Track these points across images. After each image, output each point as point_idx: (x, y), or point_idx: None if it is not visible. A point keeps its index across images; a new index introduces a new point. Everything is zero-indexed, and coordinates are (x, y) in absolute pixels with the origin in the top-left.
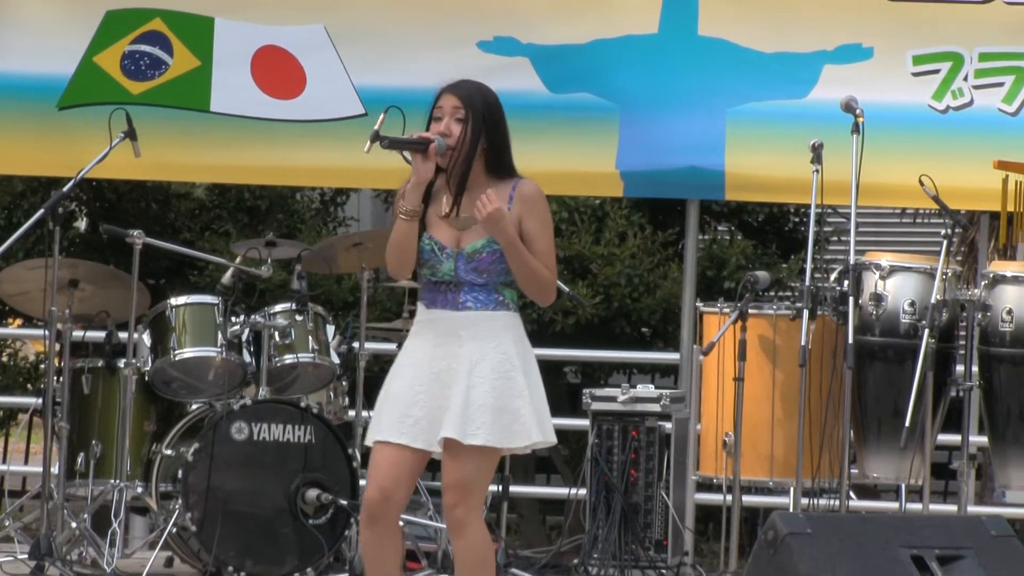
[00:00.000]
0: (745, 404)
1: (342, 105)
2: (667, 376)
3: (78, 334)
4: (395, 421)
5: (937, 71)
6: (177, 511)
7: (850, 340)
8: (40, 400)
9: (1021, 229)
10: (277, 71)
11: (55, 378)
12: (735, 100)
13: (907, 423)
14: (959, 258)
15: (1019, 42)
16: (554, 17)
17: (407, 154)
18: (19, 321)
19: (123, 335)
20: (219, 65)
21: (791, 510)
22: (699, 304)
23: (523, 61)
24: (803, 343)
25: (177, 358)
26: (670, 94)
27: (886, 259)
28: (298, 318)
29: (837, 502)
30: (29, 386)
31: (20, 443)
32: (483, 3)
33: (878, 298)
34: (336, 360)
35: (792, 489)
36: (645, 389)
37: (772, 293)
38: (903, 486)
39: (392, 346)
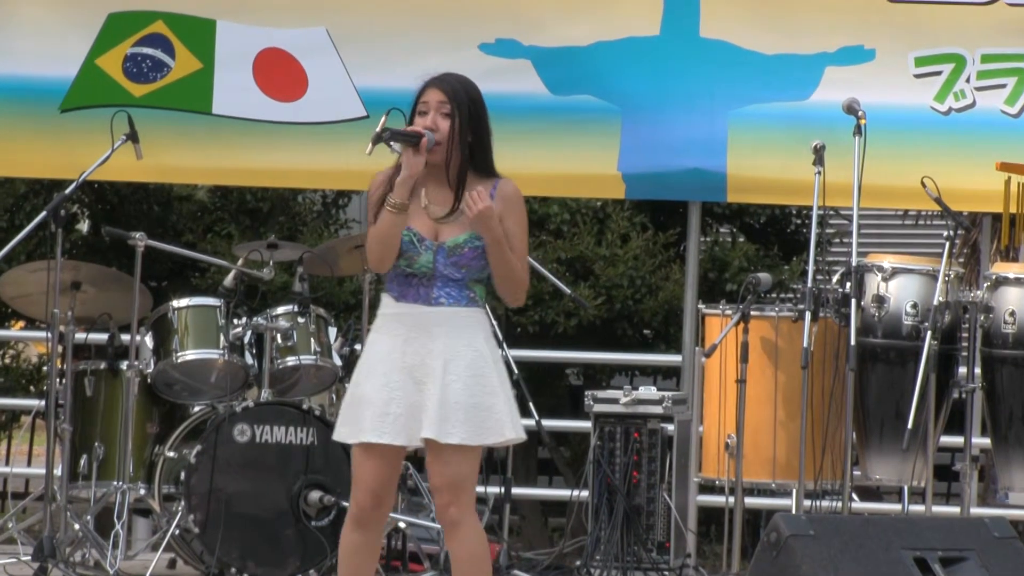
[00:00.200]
0: (747, 406)
1: (344, 107)
2: (669, 378)
3: (80, 336)
4: (375, 421)
5: (939, 73)
6: (180, 513)
7: (852, 342)
8: (43, 402)
9: (1023, 231)
10: (279, 73)
11: (58, 380)
12: (737, 102)
13: (909, 425)
14: (961, 260)
15: (1021, 44)
16: (556, 19)
17: (398, 147)
18: (21, 323)
19: (125, 337)
20: (221, 67)
21: (793, 512)
22: (701, 306)
23: (525, 63)
24: (805, 345)
25: (179, 360)
26: (672, 96)
27: (888, 261)
28: (300, 320)
29: (839, 504)
30: (32, 388)
31: (23, 445)
32: (485, 5)
33: (880, 300)
34: (338, 362)
35: (794, 491)
36: (647, 391)
37: (774, 295)
38: (905, 488)
39: None
